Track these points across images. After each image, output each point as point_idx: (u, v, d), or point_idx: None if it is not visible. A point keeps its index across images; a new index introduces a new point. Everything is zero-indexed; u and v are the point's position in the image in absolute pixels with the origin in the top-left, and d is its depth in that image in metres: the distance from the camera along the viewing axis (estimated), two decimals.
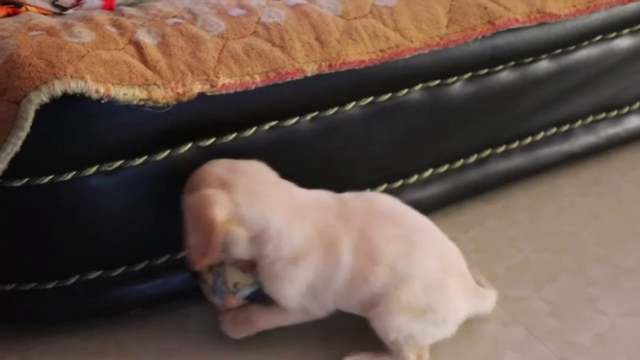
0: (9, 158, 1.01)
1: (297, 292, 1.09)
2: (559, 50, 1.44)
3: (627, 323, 1.22)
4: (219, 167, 1.07)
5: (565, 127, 1.56)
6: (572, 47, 1.46)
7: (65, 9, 1.23)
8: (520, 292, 1.28)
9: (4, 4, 1.19)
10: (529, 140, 1.52)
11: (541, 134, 1.53)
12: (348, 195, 1.15)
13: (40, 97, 0.97)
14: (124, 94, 1.02)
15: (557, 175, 1.59)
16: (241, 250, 1.06)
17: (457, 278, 1.13)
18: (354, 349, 1.16)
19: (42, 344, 1.23)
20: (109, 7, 1.24)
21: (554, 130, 1.55)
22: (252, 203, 1.04)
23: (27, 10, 1.20)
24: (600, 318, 1.23)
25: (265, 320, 1.16)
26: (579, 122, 1.57)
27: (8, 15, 1.18)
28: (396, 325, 1.09)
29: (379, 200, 1.16)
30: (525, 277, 1.32)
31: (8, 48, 1.02)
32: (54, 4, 1.24)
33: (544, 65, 1.44)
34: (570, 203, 1.53)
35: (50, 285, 1.18)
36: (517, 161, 1.52)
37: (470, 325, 1.21)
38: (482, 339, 1.20)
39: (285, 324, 1.17)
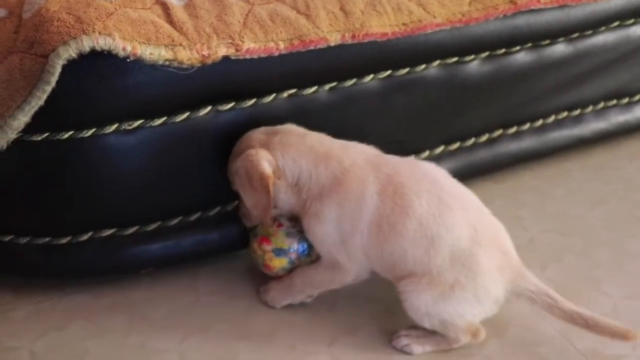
0: (32, 111, 1.02)
1: (326, 231, 1.11)
2: (576, 34, 1.46)
3: (629, 305, 1.24)
4: (257, 132, 1.15)
5: (577, 112, 1.58)
6: (590, 32, 1.47)
7: None
8: None
9: None
10: (540, 122, 1.54)
11: (552, 117, 1.54)
12: (391, 155, 1.17)
13: (69, 52, 0.98)
14: (150, 54, 1.03)
15: (566, 159, 1.61)
16: (285, 200, 1.13)
17: (492, 251, 1.10)
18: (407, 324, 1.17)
19: (53, 298, 1.25)
20: None
21: (565, 114, 1.56)
22: (285, 154, 1.11)
23: None
24: (604, 299, 1.25)
25: (301, 276, 1.18)
26: (590, 108, 1.58)
27: None
28: (422, 305, 1.09)
29: (424, 164, 1.16)
30: (532, 257, 1.33)
31: (37, 2, 1.02)
32: None
33: (560, 48, 1.45)
34: (578, 187, 1.55)
35: (64, 241, 1.20)
36: (528, 143, 1.53)
37: None
38: None
39: (319, 283, 1.18)
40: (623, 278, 1.30)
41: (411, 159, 1.18)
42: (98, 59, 1.01)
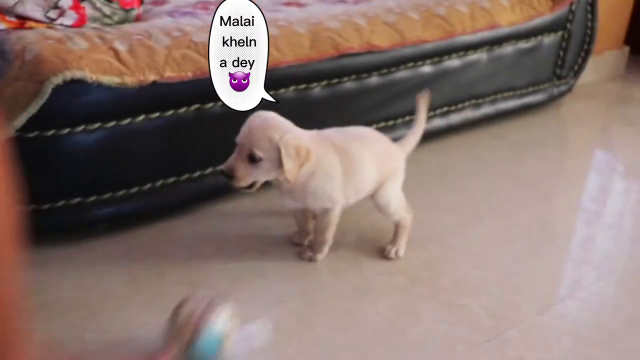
0: (27, 117, 1.60)
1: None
2: (385, 70, 2.18)
3: None
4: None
5: (391, 122, 2.30)
6: (393, 69, 2.20)
7: (53, 19, 1.83)
8: None
9: (17, 17, 1.78)
10: None
11: (374, 126, 2.24)
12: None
13: (57, 80, 1.58)
14: (108, 80, 1.65)
15: None
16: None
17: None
18: None
19: None
20: (80, 23, 1.84)
21: (383, 124, 2.28)
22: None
23: (28, 24, 1.79)
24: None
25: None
26: (400, 119, 2.31)
27: (17, 28, 1.77)
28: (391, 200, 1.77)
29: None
30: None
31: (35, 49, 1.62)
32: (45, 16, 1.83)
33: (375, 79, 2.18)
34: None
35: None
36: None
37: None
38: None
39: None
40: None
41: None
42: (75, 84, 1.62)
